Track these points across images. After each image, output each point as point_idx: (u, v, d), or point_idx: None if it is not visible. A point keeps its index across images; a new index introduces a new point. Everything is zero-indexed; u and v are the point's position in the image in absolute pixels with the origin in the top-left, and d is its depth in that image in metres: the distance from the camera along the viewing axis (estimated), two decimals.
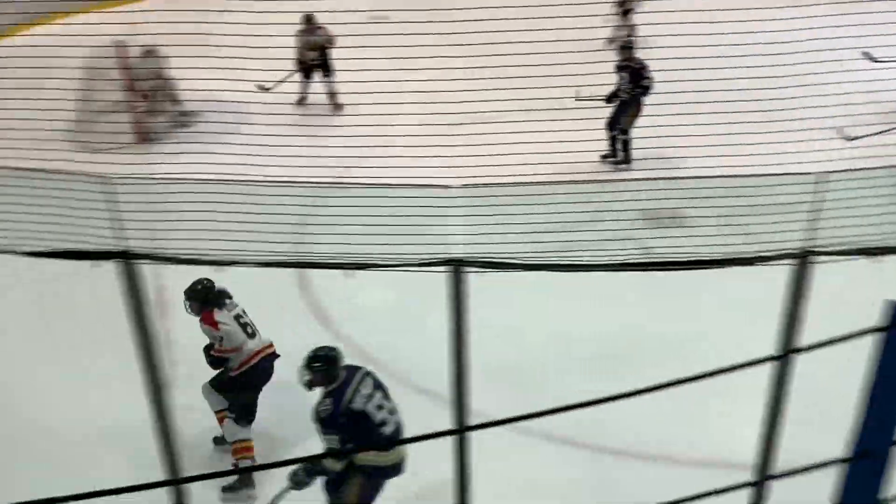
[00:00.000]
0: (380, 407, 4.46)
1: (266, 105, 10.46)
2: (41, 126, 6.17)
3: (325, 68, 10.49)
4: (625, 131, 8.81)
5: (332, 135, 4.59)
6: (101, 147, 8.51)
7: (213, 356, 5.21)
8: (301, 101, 10.66)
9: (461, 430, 3.10)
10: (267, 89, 9.62)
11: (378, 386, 4.58)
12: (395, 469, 4.51)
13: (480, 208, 2.94)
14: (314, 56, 10.46)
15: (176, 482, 3.03)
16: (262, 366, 5.31)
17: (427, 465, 3.55)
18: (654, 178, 7.29)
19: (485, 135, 4.06)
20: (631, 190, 6.76)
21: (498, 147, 3.44)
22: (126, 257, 3.16)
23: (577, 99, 7.66)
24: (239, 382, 5.17)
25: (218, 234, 3.44)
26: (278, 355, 5.34)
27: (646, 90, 8.64)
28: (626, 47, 9.01)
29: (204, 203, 3.53)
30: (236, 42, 4.96)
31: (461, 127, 5.61)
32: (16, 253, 3.26)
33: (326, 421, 4.21)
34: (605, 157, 8.95)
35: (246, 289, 5.31)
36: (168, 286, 4.66)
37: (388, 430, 4.44)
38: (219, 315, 5.16)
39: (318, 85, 10.67)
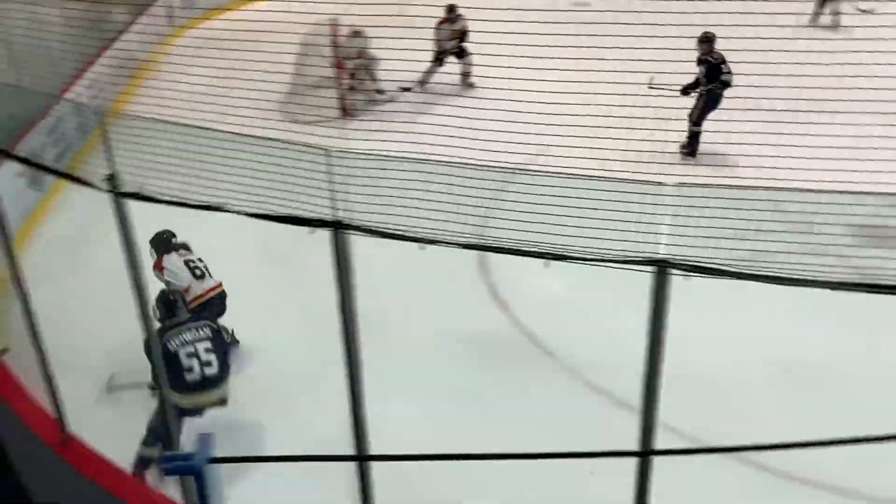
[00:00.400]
0: (192, 355, 4.95)
1: (458, 87, 10.80)
2: (257, 96, 6.60)
3: (461, 52, 10.98)
4: (696, 123, 8.54)
5: (527, 121, 4.54)
6: (309, 119, 8.99)
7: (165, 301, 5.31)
8: (422, 83, 11.10)
9: (647, 454, 3.03)
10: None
11: (210, 339, 5.05)
12: (193, 411, 5.04)
13: (689, 209, 2.82)
14: (453, 45, 10.95)
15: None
16: (214, 301, 5.97)
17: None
18: (866, 193, 6.69)
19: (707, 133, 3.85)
20: (838, 203, 6.24)
21: (717, 147, 3.29)
22: (338, 227, 3.36)
23: (651, 87, 7.51)
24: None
25: (417, 210, 3.54)
26: (226, 294, 6.10)
27: (725, 85, 8.44)
28: (706, 40, 8.62)
29: (406, 181, 3.66)
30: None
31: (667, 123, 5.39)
32: (242, 213, 3.52)
33: (145, 350, 4.48)
34: (682, 147, 8.54)
35: (433, 265, 5.46)
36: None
37: (190, 377, 4.94)
38: (167, 261, 5.94)
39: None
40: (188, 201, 3.66)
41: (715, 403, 5.47)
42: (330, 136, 5.57)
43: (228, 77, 6.55)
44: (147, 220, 4.19)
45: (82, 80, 9.60)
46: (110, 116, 5.23)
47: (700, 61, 8.67)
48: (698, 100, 8.65)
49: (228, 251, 7.29)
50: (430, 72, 11.07)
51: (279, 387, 5.82)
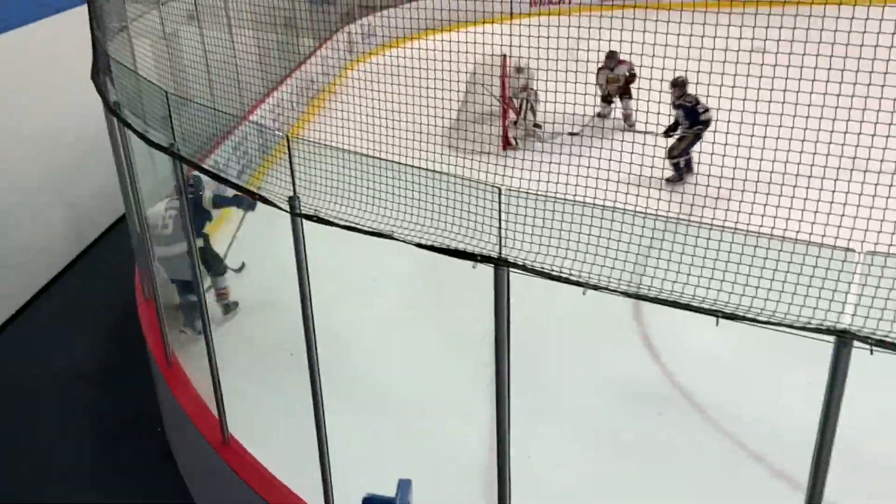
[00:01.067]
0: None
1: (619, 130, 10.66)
2: (426, 123, 6.78)
3: (626, 93, 11.02)
4: (677, 156, 9.28)
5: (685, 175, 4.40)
6: (472, 150, 9.15)
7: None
8: (601, 115, 11.11)
9: None
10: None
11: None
12: None
13: (882, 279, 2.63)
14: (613, 90, 11.01)
15: None
16: None
17: None
18: None
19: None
20: None
21: None
22: (502, 263, 3.39)
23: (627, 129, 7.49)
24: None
25: (574, 253, 3.51)
26: None
27: (706, 124, 8.85)
28: (677, 85, 9.02)
29: (564, 222, 3.64)
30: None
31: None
32: (411, 243, 3.63)
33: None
34: (668, 180, 9.25)
35: (587, 307, 5.39)
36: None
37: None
38: None
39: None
40: (361, 226, 3.83)
41: (887, 485, 5.03)
42: (490, 166, 5.67)
43: (400, 103, 6.79)
44: (315, 239, 4.46)
45: (267, 103, 10.29)
46: (291, 139, 5.56)
47: (675, 105, 9.21)
48: (680, 141, 9.26)
49: (389, 273, 7.55)
50: (597, 115, 11.02)
51: (428, 413, 5.91)
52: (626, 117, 11.14)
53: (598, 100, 11.04)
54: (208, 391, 5.61)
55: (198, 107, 5.59)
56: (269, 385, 6.25)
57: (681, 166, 9.39)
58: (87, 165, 10.01)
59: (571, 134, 10.55)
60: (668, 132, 9.28)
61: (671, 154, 9.31)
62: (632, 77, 10.77)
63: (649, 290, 3.18)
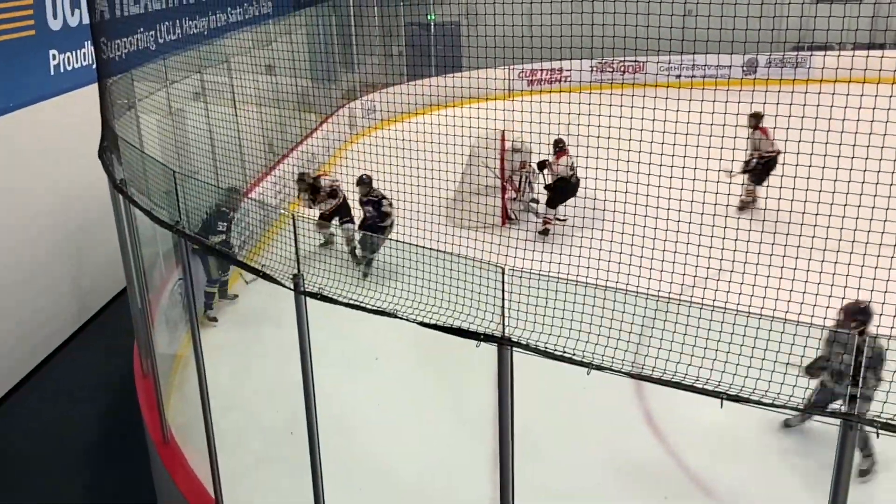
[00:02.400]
0: None
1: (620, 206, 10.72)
2: (426, 199, 6.88)
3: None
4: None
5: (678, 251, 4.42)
6: (473, 224, 9.24)
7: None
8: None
9: None
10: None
11: None
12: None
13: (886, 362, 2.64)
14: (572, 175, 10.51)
15: None
16: None
17: None
18: None
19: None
20: None
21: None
22: (505, 343, 3.41)
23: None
24: None
25: (580, 332, 3.52)
26: None
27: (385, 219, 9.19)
28: (362, 182, 9.41)
29: (567, 302, 3.67)
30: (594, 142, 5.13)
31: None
32: (414, 321, 3.65)
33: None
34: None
35: (586, 385, 5.38)
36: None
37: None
38: None
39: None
40: (364, 305, 3.85)
41: None
42: (491, 244, 5.72)
43: (401, 174, 6.88)
44: (317, 316, 4.44)
45: (270, 177, 10.44)
46: (294, 215, 5.64)
47: (362, 203, 9.56)
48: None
49: (392, 351, 7.52)
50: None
51: (425, 490, 5.81)
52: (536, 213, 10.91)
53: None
54: (206, 470, 5.53)
55: (201, 183, 5.69)
56: (268, 464, 6.16)
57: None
58: (91, 241, 10.09)
59: (561, 220, 10.55)
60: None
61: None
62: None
63: (652, 370, 3.18)
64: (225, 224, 7.71)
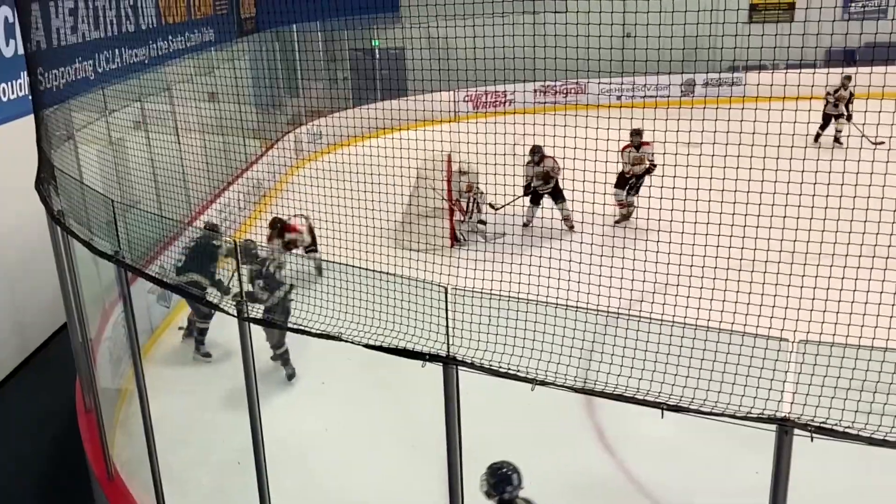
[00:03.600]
0: None
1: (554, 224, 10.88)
2: (374, 223, 6.88)
3: (556, 196, 11.17)
4: None
5: (627, 267, 4.48)
6: (421, 247, 9.26)
7: None
8: (525, 225, 11.25)
9: None
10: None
11: None
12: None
13: (816, 367, 2.72)
14: (539, 184, 11.13)
15: None
16: None
17: None
18: None
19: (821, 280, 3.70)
20: None
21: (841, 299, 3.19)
22: (450, 362, 3.42)
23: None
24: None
25: (521, 349, 3.55)
26: None
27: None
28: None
29: (510, 319, 3.71)
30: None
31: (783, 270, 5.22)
32: (358, 343, 3.64)
33: None
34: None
35: (536, 405, 5.40)
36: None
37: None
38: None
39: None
40: (309, 329, 3.83)
41: None
42: (438, 265, 5.74)
43: (349, 197, 6.87)
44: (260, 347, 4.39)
45: (214, 206, 10.33)
46: (239, 242, 5.58)
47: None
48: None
49: (338, 373, 7.46)
50: (530, 209, 11.29)
51: None
52: (566, 219, 11.09)
53: (528, 200, 11.19)
54: None
55: (142, 212, 5.60)
56: (218, 498, 6.04)
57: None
58: (31, 274, 9.82)
59: (499, 234, 10.68)
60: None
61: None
62: (556, 171, 10.84)
63: (595, 384, 3.22)
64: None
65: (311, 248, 9.76)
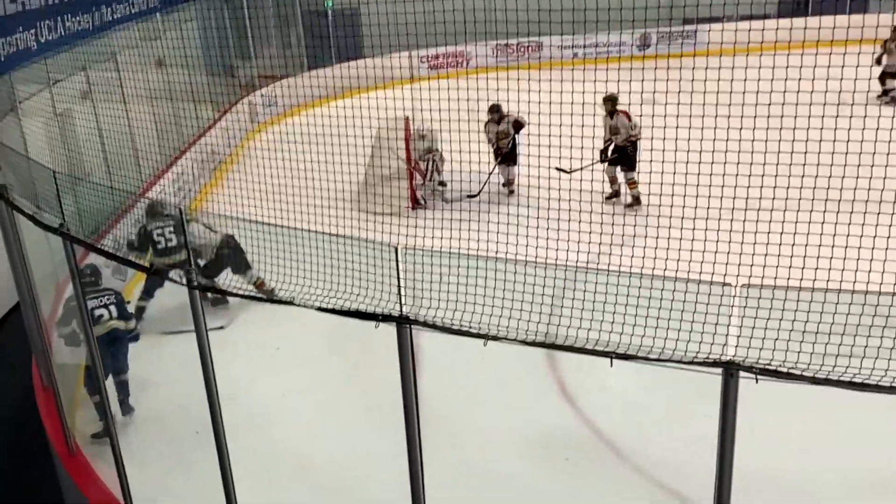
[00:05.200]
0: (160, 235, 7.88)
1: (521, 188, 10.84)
2: (333, 188, 6.80)
3: (511, 157, 10.81)
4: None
5: (587, 220, 4.49)
6: (381, 211, 9.22)
7: None
8: (509, 184, 10.99)
9: None
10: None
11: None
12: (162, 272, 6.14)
13: (759, 310, 2.76)
14: (505, 143, 10.81)
15: None
16: None
17: None
18: None
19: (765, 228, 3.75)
20: None
21: (782, 244, 3.23)
22: (404, 321, 3.41)
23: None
24: None
25: (480, 307, 3.56)
26: None
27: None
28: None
29: (469, 277, 3.70)
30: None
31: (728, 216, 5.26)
32: (311, 307, 3.62)
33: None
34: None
35: (498, 360, 5.44)
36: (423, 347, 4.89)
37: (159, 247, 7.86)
38: None
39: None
40: (260, 295, 3.79)
41: None
42: (399, 226, 5.71)
43: (305, 169, 6.80)
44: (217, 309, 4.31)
45: (167, 176, 10.14)
46: (192, 211, 5.50)
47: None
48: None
49: (296, 341, 7.44)
50: (492, 172, 11.17)
51: (339, 480, 5.79)
52: (509, 182, 10.87)
53: (490, 156, 10.77)
54: (115, 479, 5.36)
55: (91, 185, 5.47)
56: (178, 466, 6.01)
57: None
58: None
59: (470, 196, 10.64)
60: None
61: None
62: (519, 124, 10.45)
63: (545, 337, 3.24)
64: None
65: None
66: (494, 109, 10.75)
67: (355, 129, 6.73)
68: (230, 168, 11.29)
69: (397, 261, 3.46)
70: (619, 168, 10.22)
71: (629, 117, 9.98)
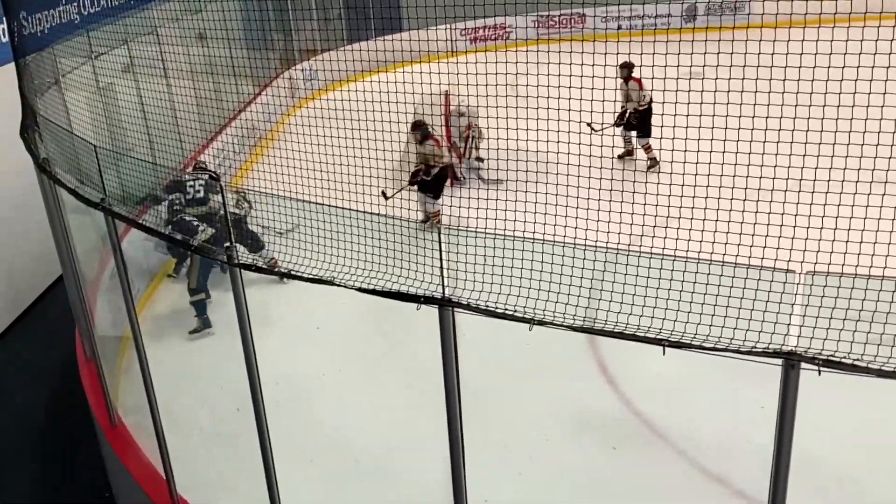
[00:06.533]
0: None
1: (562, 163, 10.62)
2: (374, 164, 6.72)
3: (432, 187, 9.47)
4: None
5: (630, 200, 4.32)
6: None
7: None
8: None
9: None
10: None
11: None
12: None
13: (823, 299, 2.61)
14: (428, 170, 9.41)
15: None
16: None
17: None
18: None
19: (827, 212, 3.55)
20: None
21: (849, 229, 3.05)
22: (446, 304, 3.32)
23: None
24: None
25: (524, 290, 3.45)
26: None
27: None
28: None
29: (512, 259, 3.59)
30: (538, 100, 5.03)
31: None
32: (351, 287, 3.55)
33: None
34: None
35: (540, 340, 5.31)
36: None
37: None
38: None
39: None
40: (301, 274, 3.73)
41: (846, 499, 5.04)
42: (439, 205, 5.63)
43: (344, 147, 6.72)
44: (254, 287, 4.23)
45: (208, 151, 10.14)
46: (233, 187, 5.45)
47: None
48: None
49: (340, 318, 7.41)
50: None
51: (379, 459, 5.76)
52: (426, 219, 8.93)
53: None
54: (156, 451, 5.40)
55: (133, 161, 5.45)
56: (219, 442, 6.05)
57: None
58: (23, 226, 9.71)
59: (486, 180, 10.24)
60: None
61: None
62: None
63: (594, 322, 3.13)
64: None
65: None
66: (417, 126, 9.31)
67: (390, 104, 6.63)
68: (271, 144, 11.26)
69: (440, 241, 3.36)
70: (634, 133, 10.69)
71: (641, 85, 10.33)
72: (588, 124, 5.81)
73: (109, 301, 7.56)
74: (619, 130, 10.59)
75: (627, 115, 10.60)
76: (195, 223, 7.59)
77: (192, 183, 8.31)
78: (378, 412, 6.20)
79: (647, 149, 10.53)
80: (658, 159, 10.19)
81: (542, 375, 6.44)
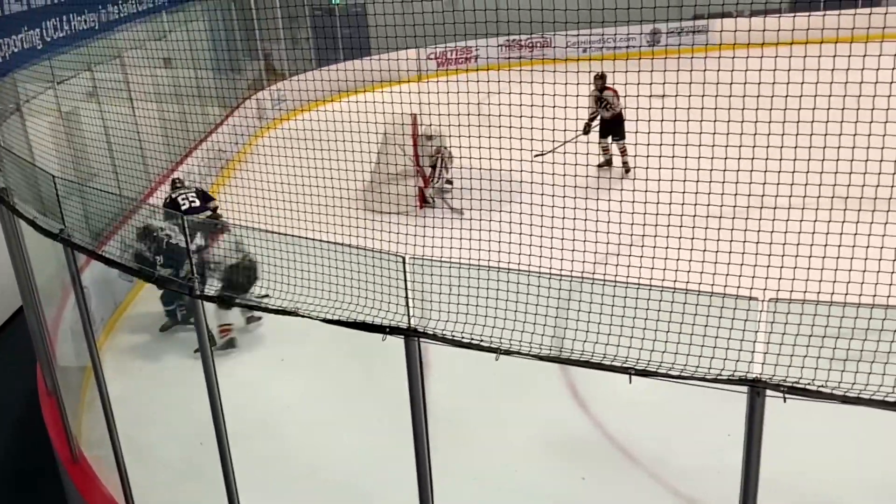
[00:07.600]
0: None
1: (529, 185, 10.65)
2: (340, 186, 6.67)
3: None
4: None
5: (594, 229, 4.31)
6: (389, 210, 9.09)
7: None
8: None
9: None
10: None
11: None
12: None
13: (787, 325, 2.62)
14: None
15: None
16: None
17: None
18: None
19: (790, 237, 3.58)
20: None
21: (813, 256, 3.07)
22: (411, 334, 3.29)
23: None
24: None
25: (490, 319, 3.42)
26: None
27: None
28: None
29: (478, 288, 3.57)
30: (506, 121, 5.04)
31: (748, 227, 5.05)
32: (316, 318, 3.50)
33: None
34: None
35: (510, 367, 5.30)
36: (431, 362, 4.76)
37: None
38: None
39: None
40: (265, 305, 3.68)
41: None
42: (406, 226, 5.55)
43: (313, 167, 6.66)
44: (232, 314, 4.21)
45: (175, 174, 10.03)
46: (184, 220, 5.35)
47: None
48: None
49: (305, 351, 7.31)
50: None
51: (350, 489, 5.68)
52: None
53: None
54: (118, 486, 5.27)
55: (95, 190, 5.35)
56: (185, 475, 5.92)
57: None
58: None
59: (453, 209, 10.21)
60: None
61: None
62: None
63: (560, 351, 3.11)
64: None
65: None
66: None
67: (359, 126, 6.61)
68: (238, 167, 11.18)
69: (405, 271, 3.33)
70: (610, 137, 11.20)
71: (617, 95, 10.89)
72: (538, 153, 5.86)
73: (74, 331, 7.41)
74: (591, 138, 10.97)
75: (599, 122, 11.14)
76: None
77: (183, 196, 8.52)
78: (349, 441, 6.12)
79: (623, 152, 11.07)
80: (630, 166, 10.75)
81: (512, 396, 6.41)
